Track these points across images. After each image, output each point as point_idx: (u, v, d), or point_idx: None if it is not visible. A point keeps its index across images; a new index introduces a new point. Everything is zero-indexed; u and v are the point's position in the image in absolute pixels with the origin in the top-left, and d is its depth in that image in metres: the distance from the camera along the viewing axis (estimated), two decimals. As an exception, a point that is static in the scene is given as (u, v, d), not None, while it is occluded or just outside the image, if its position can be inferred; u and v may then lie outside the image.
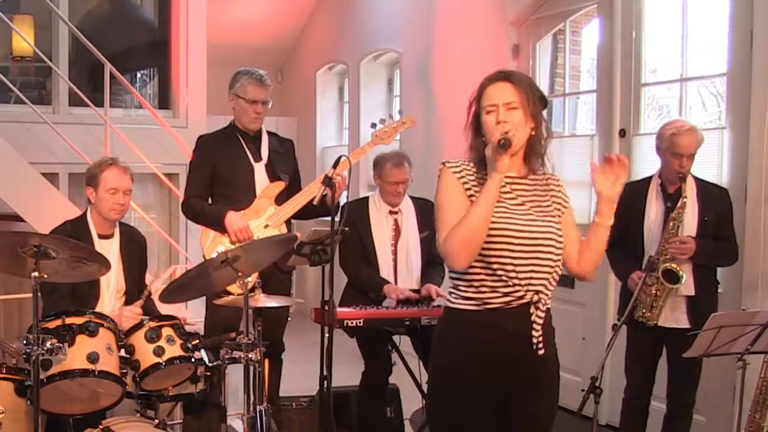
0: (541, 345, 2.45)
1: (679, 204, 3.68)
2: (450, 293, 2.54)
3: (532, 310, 2.44)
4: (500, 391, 2.46)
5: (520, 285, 2.42)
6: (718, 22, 4.59)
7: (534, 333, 2.44)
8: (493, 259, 2.40)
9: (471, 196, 2.45)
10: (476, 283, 2.44)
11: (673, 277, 3.68)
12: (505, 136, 2.33)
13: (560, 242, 2.48)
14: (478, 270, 2.42)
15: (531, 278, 2.43)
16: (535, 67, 5.77)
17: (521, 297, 2.43)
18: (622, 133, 4.93)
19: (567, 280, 5.23)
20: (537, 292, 2.44)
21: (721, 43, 4.42)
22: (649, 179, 3.91)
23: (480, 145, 2.48)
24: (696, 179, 3.81)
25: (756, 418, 3.43)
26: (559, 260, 2.48)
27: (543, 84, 5.87)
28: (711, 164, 4.21)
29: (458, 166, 2.50)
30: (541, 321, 2.45)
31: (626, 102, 4.92)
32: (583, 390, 3.35)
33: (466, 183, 2.47)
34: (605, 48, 5.01)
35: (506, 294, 2.42)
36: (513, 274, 2.41)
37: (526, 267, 2.41)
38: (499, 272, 2.41)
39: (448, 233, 2.39)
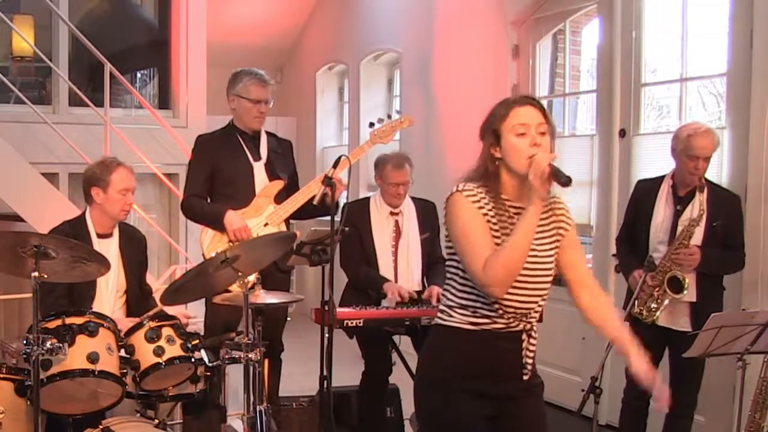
0: (528, 370, 2.46)
1: (695, 216, 3.66)
2: (442, 312, 2.52)
3: (524, 337, 2.45)
4: (488, 407, 2.45)
5: (515, 316, 2.43)
6: (718, 22, 4.59)
7: (527, 361, 2.45)
8: None
9: (490, 222, 2.39)
10: (471, 310, 2.44)
11: (677, 285, 3.68)
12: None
13: (552, 275, 2.48)
14: (475, 298, 2.43)
15: (528, 311, 2.44)
16: (535, 67, 5.77)
17: (515, 326, 2.44)
18: (622, 133, 4.92)
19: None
20: (529, 321, 2.46)
21: (721, 43, 4.42)
22: (661, 179, 3.88)
23: (497, 168, 2.41)
24: (708, 183, 3.77)
25: (756, 418, 3.42)
26: (549, 290, 2.49)
27: (543, 84, 5.86)
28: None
29: (475, 195, 2.40)
30: (533, 349, 2.47)
31: (626, 102, 4.91)
32: (583, 390, 3.35)
33: (486, 213, 2.39)
34: (605, 48, 5.00)
35: (500, 322, 2.43)
36: (508, 305, 2.41)
37: (523, 301, 2.42)
38: (495, 305, 2.41)
39: (488, 263, 2.32)
